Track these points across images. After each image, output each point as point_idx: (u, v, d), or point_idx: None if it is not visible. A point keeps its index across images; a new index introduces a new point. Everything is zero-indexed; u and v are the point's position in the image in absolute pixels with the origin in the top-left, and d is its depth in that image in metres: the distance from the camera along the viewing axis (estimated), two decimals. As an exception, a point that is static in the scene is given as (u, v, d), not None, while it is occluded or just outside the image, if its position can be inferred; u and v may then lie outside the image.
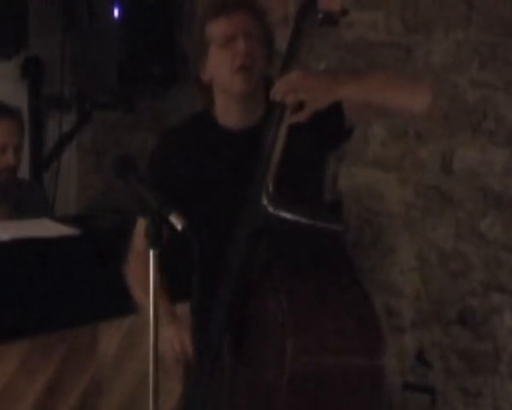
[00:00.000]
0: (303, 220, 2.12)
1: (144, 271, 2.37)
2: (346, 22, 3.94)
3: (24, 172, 4.45)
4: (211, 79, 2.36)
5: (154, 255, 2.05)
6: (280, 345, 1.97)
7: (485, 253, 3.69)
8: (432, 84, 2.32)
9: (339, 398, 2.00)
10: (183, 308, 2.46)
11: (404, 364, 3.90)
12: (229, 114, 2.36)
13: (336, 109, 2.23)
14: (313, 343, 1.98)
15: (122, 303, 3.23)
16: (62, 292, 3.13)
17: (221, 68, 2.32)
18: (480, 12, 3.65)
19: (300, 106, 2.15)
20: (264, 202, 2.12)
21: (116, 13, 4.28)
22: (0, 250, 3.02)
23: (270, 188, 2.13)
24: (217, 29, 2.32)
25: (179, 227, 2.01)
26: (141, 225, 2.40)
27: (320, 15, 2.13)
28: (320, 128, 2.21)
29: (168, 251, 2.11)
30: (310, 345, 1.98)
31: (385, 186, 3.89)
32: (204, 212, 2.32)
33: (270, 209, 2.12)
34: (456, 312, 3.77)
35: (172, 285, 2.38)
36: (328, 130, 2.26)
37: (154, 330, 2.05)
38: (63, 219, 3.46)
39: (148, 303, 2.25)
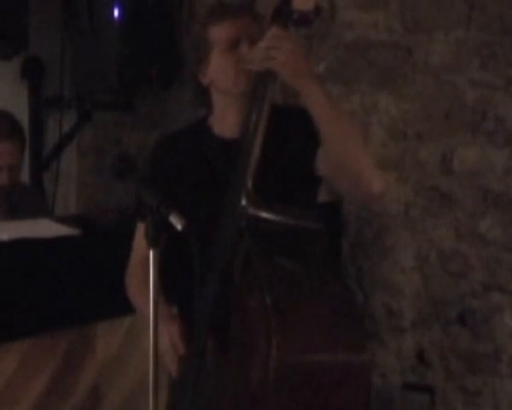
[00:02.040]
0: (283, 220, 2.12)
1: (143, 281, 2.38)
2: (346, 22, 3.97)
3: (24, 172, 4.45)
4: (209, 83, 2.36)
5: (154, 255, 2.05)
6: (264, 344, 1.97)
7: (485, 253, 3.69)
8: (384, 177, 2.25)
9: (325, 395, 2.00)
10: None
11: (404, 364, 3.91)
12: (225, 119, 2.37)
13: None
14: (298, 341, 1.99)
15: (122, 303, 3.24)
16: (62, 292, 3.12)
17: (224, 71, 2.32)
18: (480, 12, 3.65)
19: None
20: (244, 202, 2.13)
21: (116, 13, 4.28)
22: (0, 250, 3.02)
23: (250, 187, 2.14)
24: (221, 33, 2.31)
25: (179, 227, 2.01)
26: (140, 231, 2.36)
27: (295, 15, 2.13)
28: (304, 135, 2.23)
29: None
30: (294, 343, 1.98)
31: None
32: (194, 217, 2.32)
33: (250, 210, 2.13)
34: (456, 312, 3.77)
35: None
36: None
37: (154, 330, 2.05)
38: (63, 219, 3.46)
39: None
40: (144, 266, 2.36)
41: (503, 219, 3.65)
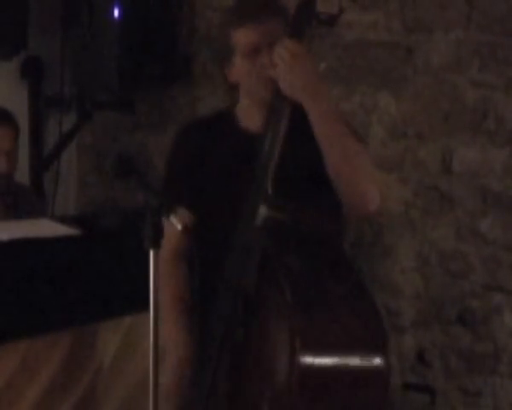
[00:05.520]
0: (300, 221, 2.12)
1: (168, 282, 2.36)
2: (346, 22, 3.97)
3: (24, 172, 4.45)
4: (237, 81, 2.37)
5: (154, 255, 2.05)
6: (289, 345, 1.97)
7: (485, 253, 3.69)
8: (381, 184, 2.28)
9: (346, 396, 2.00)
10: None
11: (404, 364, 3.90)
12: (251, 116, 2.37)
13: None
14: (321, 341, 1.99)
15: (122, 303, 3.24)
16: (62, 292, 3.12)
17: (246, 77, 2.33)
18: (480, 12, 3.65)
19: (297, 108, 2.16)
20: (263, 204, 2.13)
21: (116, 13, 4.28)
22: (0, 250, 3.02)
23: (270, 191, 2.14)
24: (242, 38, 2.30)
25: (179, 227, 2.01)
26: (168, 228, 2.23)
27: (319, 17, 2.13)
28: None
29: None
30: (318, 342, 1.98)
31: (385, 186, 3.89)
32: (215, 210, 2.33)
33: (270, 212, 2.12)
34: (456, 312, 3.77)
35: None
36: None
37: (154, 330, 2.05)
38: (63, 219, 3.46)
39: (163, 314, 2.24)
40: (175, 258, 2.37)
41: (503, 219, 3.65)
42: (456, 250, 3.77)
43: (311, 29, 2.18)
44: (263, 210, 2.13)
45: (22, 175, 4.26)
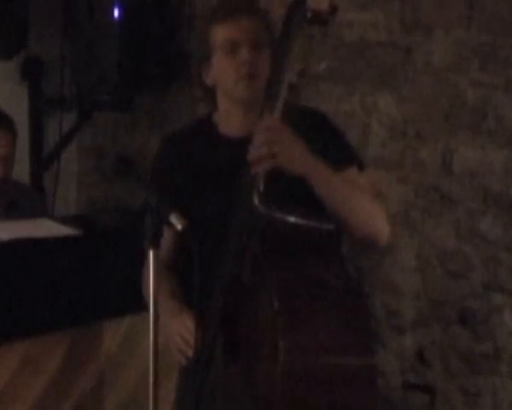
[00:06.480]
0: (294, 220, 2.12)
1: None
2: (346, 22, 3.97)
3: (24, 172, 4.46)
4: (214, 84, 2.35)
5: (154, 255, 2.05)
6: (271, 346, 1.97)
7: (485, 253, 3.70)
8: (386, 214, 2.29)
9: (332, 398, 2.00)
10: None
11: (404, 364, 3.91)
12: (230, 119, 2.34)
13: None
14: (305, 344, 1.99)
15: (122, 303, 3.24)
16: (62, 292, 3.13)
17: (225, 75, 2.29)
18: (480, 12, 3.65)
19: None
20: (256, 201, 2.12)
21: (116, 13, 4.28)
22: (0, 250, 3.02)
23: (262, 188, 2.13)
24: (221, 34, 2.28)
25: (179, 227, 2.01)
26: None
27: (309, 14, 2.12)
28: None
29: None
30: (301, 346, 1.98)
31: (385, 186, 3.90)
32: (200, 218, 2.31)
33: (262, 209, 2.11)
34: (456, 312, 3.77)
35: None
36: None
37: (154, 330, 2.05)
38: (63, 219, 3.46)
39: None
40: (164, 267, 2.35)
41: (503, 219, 3.65)
42: (456, 250, 3.77)
43: (302, 29, 2.15)
44: (255, 205, 2.12)
45: (22, 175, 4.27)
